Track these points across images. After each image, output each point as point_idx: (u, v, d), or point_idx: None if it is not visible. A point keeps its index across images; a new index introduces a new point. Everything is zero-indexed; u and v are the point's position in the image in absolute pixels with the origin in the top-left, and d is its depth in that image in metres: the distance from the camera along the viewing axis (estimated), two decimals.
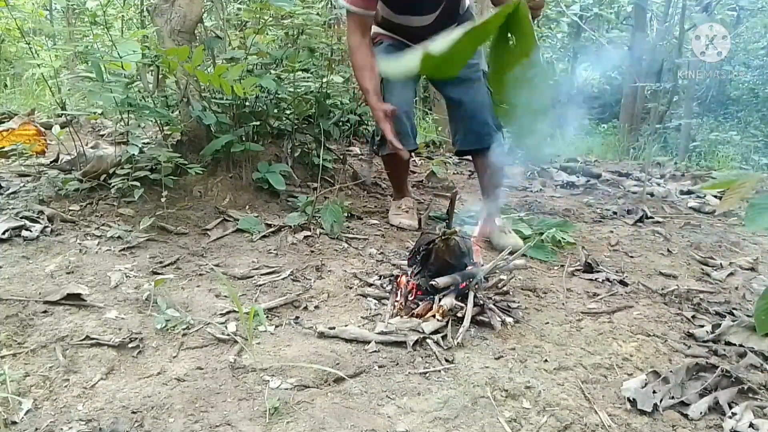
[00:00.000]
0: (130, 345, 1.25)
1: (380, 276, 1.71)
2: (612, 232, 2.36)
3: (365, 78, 2.00)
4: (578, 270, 1.88)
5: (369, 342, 1.31)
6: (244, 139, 2.28)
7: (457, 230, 1.53)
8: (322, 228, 2.04)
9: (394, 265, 1.81)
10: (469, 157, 2.42)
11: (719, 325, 1.47)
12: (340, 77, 2.75)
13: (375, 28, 2.18)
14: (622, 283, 1.79)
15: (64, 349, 1.21)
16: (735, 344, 1.41)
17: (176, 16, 2.20)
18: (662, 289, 1.77)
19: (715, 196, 3.14)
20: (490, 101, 2.11)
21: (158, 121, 2.29)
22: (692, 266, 2.03)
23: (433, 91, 4.75)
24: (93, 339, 1.25)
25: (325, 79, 2.67)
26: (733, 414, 1.11)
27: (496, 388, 1.16)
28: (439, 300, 1.44)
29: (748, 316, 1.56)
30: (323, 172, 2.43)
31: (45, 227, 1.83)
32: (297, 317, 1.44)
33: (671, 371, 1.22)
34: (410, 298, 1.50)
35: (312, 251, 1.90)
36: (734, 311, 1.62)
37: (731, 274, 1.96)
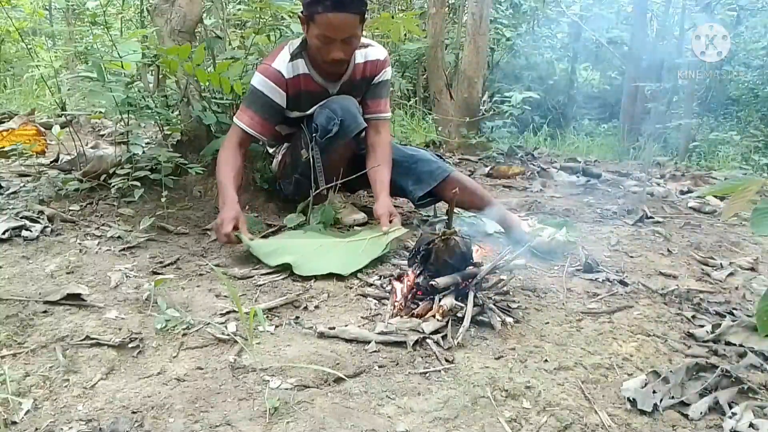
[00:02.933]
0: (130, 345, 1.25)
1: (380, 276, 1.71)
2: (612, 232, 2.36)
3: (227, 174, 1.90)
4: (578, 270, 1.88)
5: (369, 342, 1.31)
6: None
7: (457, 230, 1.53)
8: None
9: (394, 265, 1.81)
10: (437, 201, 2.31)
11: (719, 325, 1.47)
12: None
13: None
14: (622, 283, 1.79)
15: (64, 349, 1.21)
16: (735, 344, 1.41)
17: (176, 16, 2.20)
18: (662, 289, 1.77)
19: (716, 196, 3.14)
20: (421, 152, 2.24)
21: (158, 121, 2.29)
22: (692, 266, 2.02)
23: (433, 92, 4.76)
24: (93, 339, 1.25)
25: None
26: (733, 414, 1.11)
27: (496, 388, 1.16)
28: (439, 300, 1.44)
29: (748, 316, 1.56)
30: None
31: (45, 227, 1.83)
32: (297, 317, 1.44)
33: (671, 371, 1.22)
34: (410, 298, 1.50)
35: None
36: (734, 311, 1.62)
37: (731, 274, 1.96)
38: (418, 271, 1.54)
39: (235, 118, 2.00)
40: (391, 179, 2.13)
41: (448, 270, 1.49)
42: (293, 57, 2.00)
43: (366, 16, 1.93)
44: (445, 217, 1.59)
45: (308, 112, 2.08)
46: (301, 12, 1.91)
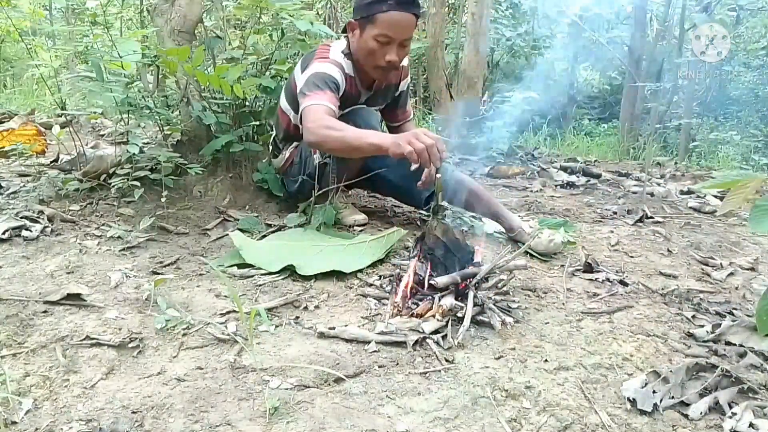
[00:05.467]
0: (130, 345, 1.25)
1: (380, 276, 1.71)
2: (612, 232, 2.36)
3: (355, 129, 1.75)
4: (578, 270, 1.88)
5: (369, 342, 1.31)
6: (243, 139, 2.27)
7: (446, 205, 1.55)
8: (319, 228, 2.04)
9: (394, 265, 1.81)
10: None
11: (719, 325, 1.47)
12: None
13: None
14: (622, 283, 1.79)
15: (64, 349, 1.21)
16: (735, 344, 1.41)
17: (176, 16, 2.20)
18: (662, 289, 1.77)
19: (716, 196, 3.14)
20: None
21: (158, 121, 2.29)
22: (692, 266, 2.03)
23: (433, 92, 4.76)
24: (93, 339, 1.25)
25: None
26: (733, 414, 1.11)
27: (496, 388, 1.16)
28: (439, 300, 1.44)
29: (748, 316, 1.56)
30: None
31: (45, 227, 1.83)
32: (297, 317, 1.44)
33: (671, 371, 1.22)
34: (410, 298, 1.50)
35: None
36: (734, 311, 1.62)
37: (731, 274, 1.96)
38: (414, 254, 1.55)
39: (309, 102, 1.83)
40: (394, 181, 2.13)
41: (440, 248, 1.50)
42: (345, 56, 1.98)
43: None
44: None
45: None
46: (354, 18, 1.90)
